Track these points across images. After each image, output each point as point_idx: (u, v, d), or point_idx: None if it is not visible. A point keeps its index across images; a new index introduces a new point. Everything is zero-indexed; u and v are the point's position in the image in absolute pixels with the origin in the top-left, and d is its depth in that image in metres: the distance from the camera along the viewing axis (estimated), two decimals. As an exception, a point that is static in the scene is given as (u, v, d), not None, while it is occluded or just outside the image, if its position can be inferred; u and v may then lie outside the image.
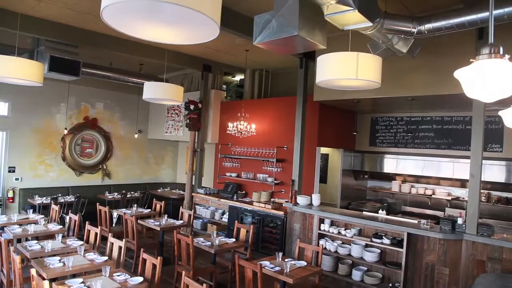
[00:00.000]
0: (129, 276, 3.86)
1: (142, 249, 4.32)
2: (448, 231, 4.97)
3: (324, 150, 7.90)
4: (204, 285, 3.35)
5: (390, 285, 5.30)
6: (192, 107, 8.41)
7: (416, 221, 5.50)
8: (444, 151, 7.28)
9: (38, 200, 7.85)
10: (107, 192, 9.26)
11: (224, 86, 10.10)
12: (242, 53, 7.84)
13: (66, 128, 8.87)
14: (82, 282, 3.62)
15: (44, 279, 3.44)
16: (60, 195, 8.37)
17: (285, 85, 9.23)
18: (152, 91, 6.38)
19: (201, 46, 7.70)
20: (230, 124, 7.62)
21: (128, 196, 9.01)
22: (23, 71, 4.87)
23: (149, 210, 7.56)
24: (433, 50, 5.41)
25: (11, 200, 8.21)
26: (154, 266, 4.05)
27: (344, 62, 3.81)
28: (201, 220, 8.45)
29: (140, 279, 3.86)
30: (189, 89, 9.58)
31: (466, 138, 6.96)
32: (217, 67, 9.18)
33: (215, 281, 5.27)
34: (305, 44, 4.43)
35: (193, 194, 8.75)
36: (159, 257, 3.99)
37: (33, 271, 3.48)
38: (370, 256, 5.47)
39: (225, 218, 8.04)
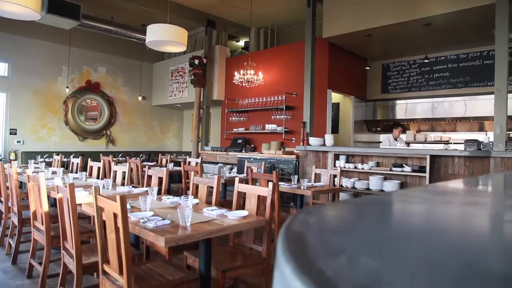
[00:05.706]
0: (134, 188, 3.59)
1: (147, 166, 4.04)
2: (474, 151, 4.63)
3: (335, 98, 7.59)
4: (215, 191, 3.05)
5: (413, 215, 4.96)
6: (196, 61, 8.13)
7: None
8: (461, 90, 6.92)
9: (40, 159, 7.60)
10: (111, 156, 9.00)
11: (229, 53, 9.79)
12: (247, 4, 7.55)
13: (67, 87, 8.62)
14: (82, 189, 3.36)
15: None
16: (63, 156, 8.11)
17: (291, 42, 8.90)
18: (156, 33, 6.10)
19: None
20: (236, 74, 7.30)
21: (133, 159, 8.72)
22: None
23: (155, 163, 7.29)
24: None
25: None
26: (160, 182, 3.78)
27: None
28: (209, 179, 8.14)
29: (145, 189, 3.57)
30: (193, 50, 9.30)
31: (485, 73, 6.63)
32: (221, 23, 8.90)
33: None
34: None
35: (199, 152, 8.47)
36: (165, 168, 3.71)
37: (28, 171, 3.21)
38: (390, 187, 5.12)
39: (233, 173, 7.72)
